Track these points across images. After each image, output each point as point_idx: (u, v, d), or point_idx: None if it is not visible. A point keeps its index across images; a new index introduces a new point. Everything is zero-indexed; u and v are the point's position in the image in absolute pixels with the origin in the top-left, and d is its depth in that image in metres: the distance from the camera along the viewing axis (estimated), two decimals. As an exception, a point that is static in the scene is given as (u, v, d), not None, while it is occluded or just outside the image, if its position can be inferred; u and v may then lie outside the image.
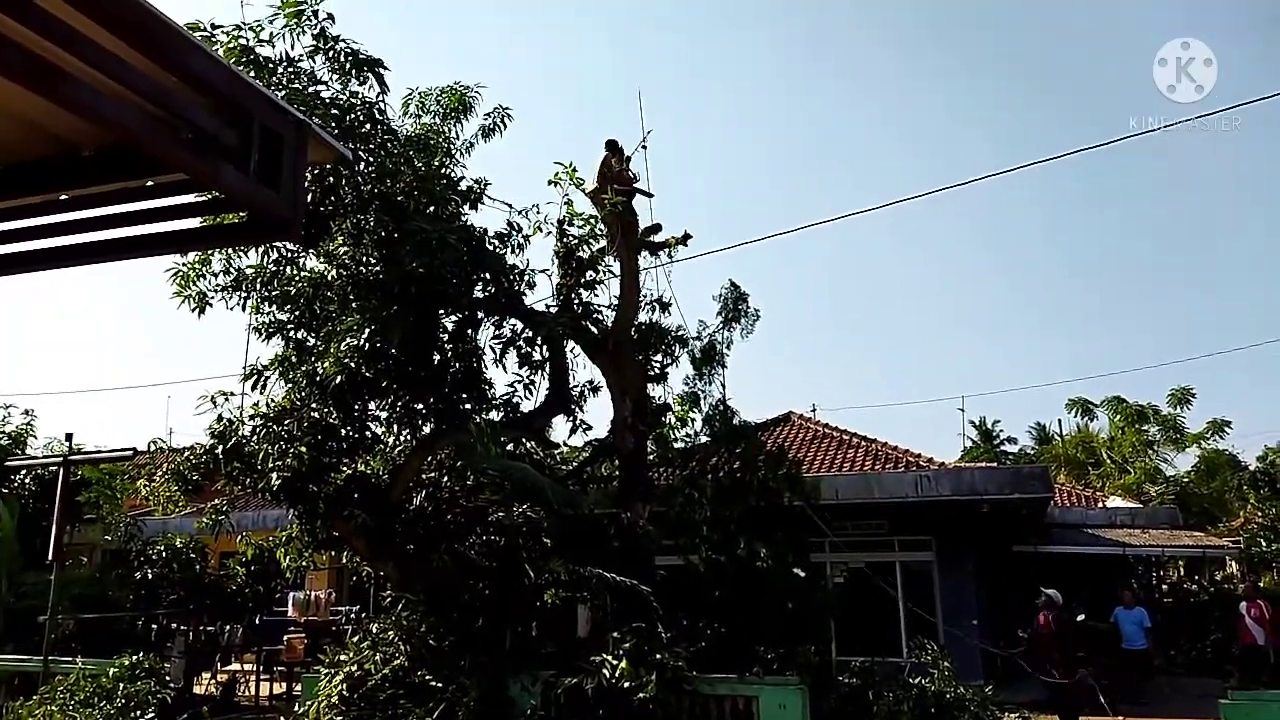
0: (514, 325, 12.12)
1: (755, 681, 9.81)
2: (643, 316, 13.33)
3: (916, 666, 11.03)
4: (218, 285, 11.11)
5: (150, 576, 17.52)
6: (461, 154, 11.81)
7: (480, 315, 11.78)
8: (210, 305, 11.06)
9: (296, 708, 11.06)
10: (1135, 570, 21.81)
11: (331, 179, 10.27)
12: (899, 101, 72.94)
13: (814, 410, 26.54)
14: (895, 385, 76.11)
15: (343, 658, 10.73)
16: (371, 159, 10.34)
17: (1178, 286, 64.33)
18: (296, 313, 11.31)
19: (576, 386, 13.05)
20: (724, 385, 14.45)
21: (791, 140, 79.01)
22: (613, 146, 12.94)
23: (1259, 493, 23.41)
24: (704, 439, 14.45)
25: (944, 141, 71.57)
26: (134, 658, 11.92)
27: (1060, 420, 39.09)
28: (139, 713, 10.97)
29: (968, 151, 69.33)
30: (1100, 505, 23.41)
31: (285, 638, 15.57)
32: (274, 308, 11.33)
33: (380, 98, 10.36)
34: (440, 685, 10.02)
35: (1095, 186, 67.49)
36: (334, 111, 9.92)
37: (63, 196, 2.54)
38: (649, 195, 13.18)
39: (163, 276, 10.92)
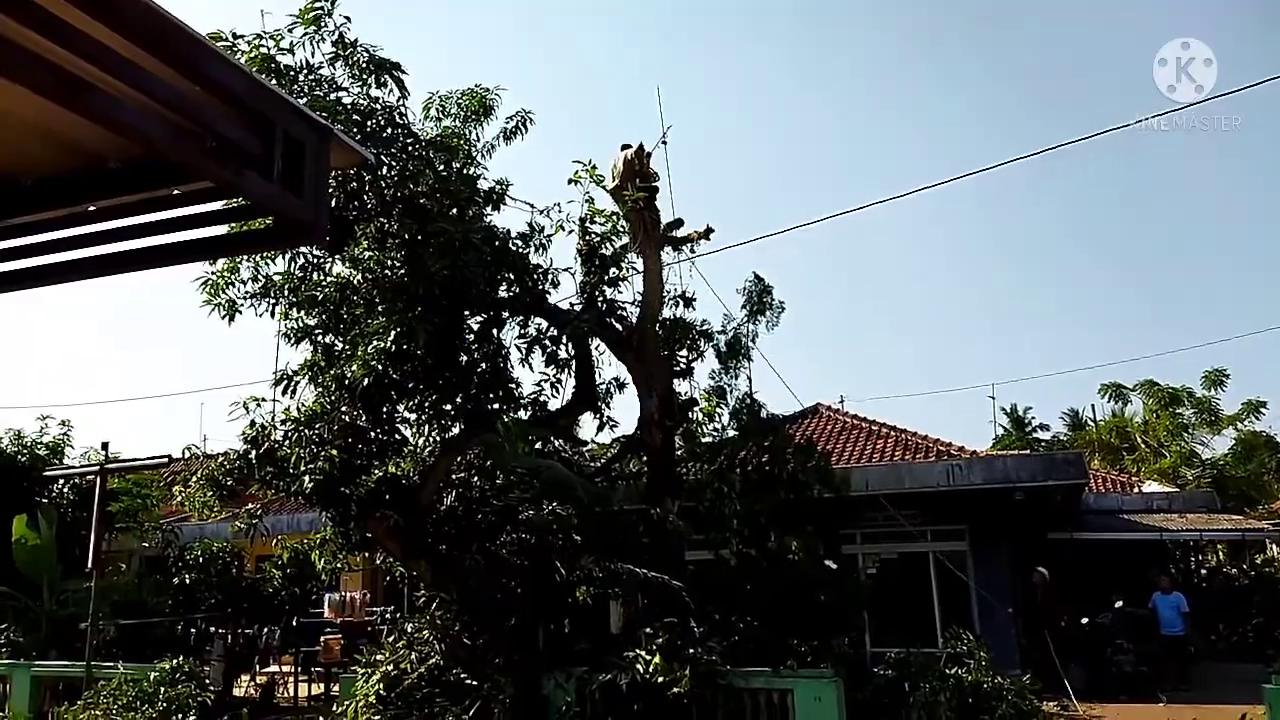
0: (539, 324, 12.16)
1: (790, 675, 9.78)
2: (667, 312, 13.32)
3: (953, 656, 10.94)
4: (246, 293, 11.24)
5: (188, 581, 17.78)
6: (483, 156, 11.86)
7: (505, 315, 11.83)
8: (240, 312, 11.20)
9: (335, 708, 11.17)
10: (1173, 555, 21.51)
11: (355, 184, 10.36)
12: (908, 98, 72.29)
13: (842, 401, 26.39)
14: (924, 375, 75.53)
15: (379, 658, 10.83)
16: (394, 163, 10.41)
17: (1206, 267, 63.24)
18: (324, 317, 11.41)
19: (603, 383, 13.08)
20: (750, 378, 14.41)
21: (809, 135, 78.54)
22: (632, 147, 12.96)
23: (1298, 474, 23.01)
24: (732, 433, 14.41)
25: (957, 139, 70.79)
26: (174, 662, 12.11)
27: (1094, 405, 38.61)
28: (180, 716, 11.14)
29: (981, 147, 68.62)
30: (1136, 490, 23.09)
31: (322, 639, 15.72)
32: (302, 313, 11.44)
33: (400, 102, 10.44)
34: (475, 683, 10.09)
35: (1113, 176, 66.50)
36: (355, 116, 10.01)
37: (91, 208, 2.58)
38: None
39: (193, 284, 11.07)
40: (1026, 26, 67.02)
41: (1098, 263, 66.48)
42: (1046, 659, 14.25)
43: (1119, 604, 16.33)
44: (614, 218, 12.53)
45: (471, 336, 11.45)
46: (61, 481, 20.07)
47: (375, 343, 10.25)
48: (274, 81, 9.20)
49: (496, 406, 11.26)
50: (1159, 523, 19.25)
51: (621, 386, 13.35)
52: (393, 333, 10.23)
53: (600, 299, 12.44)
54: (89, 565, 12.38)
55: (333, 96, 10.01)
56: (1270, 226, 58.68)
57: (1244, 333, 66.16)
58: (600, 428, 13.38)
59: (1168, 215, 64.09)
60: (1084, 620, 14.46)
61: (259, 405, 11.20)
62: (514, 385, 11.65)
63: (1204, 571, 24.65)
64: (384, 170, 10.34)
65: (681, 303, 13.57)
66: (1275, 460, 29.88)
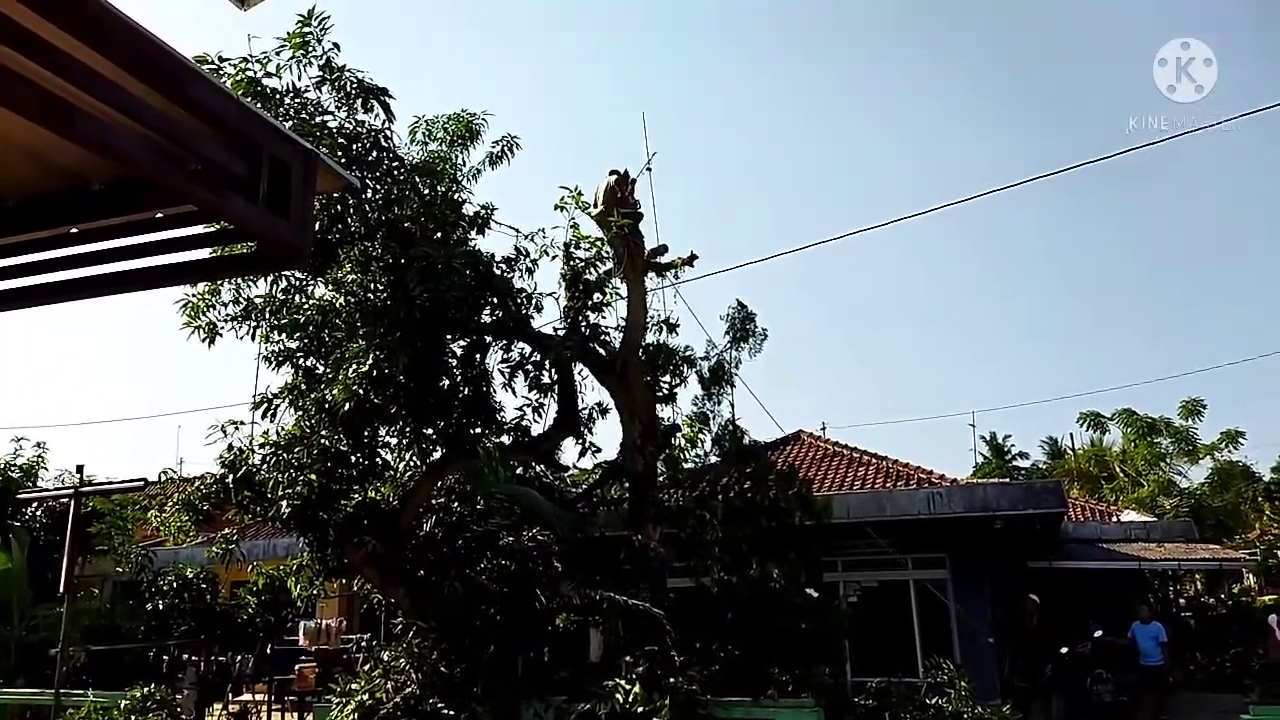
0: (522, 348, 12.14)
1: (770, 704, 9.73)
2: (650, 337, 13.34)
3: (933, 686, 10.92)
4: (227, 315, 11.18)
5: (161, 607, 17.50)
6: (468, 180, 11.90)
7: (488, 339, 11.81)
8: (220, 335, 11.13)
9: (309, 738, 11.00)
10: (1152, 585, 21.61)
11: (339, 207, 10.36)
12: (898, 113, 72.81)
13: (824, 428, 26.44)
14: (905, 402, 75.94)
15: (354, 686, 10.68)
16: (378, 186, 10.42)
17: (1184, 297, 64.11)
18: (305, 340, 11.36)
19: (585, 409, 13.05)
20: (733, 405, 14.44)
21: (794, 157, 79.18)
22: (617, 173, 13.06)
23: (1274, 504, 23.21)
24: (714, 459, 14.41)
25: (945, 149, 71.19)
26: (145, 689, 11.89)
27: (1072, 434, 38.91)
28: (151, 745, 10.93)
29: (968, 159, 68.97)
30: (1115, 519, 23.21)
31: (297, 667, 15.48)
32: (283, 336, 11.38)
33: (386, 125, 10.48)
34: (452, 713, 9.96)
35: (1096, 198, 67.46)
36: (340, 140, 10.03)
37: (73, 230, 2.56)
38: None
39: (172, 307, 11.00)
40: (1021, 29, 67.47)
41: (1075, 290, 67.25)
42: (1038, 687, 14.30)
43: (1098, 633, 16.37)
44: (598, 243, 12.58)
45: (454, 361, 11.41)
46: (35, 504, 19.80)
47: (356, 366, 10.20)
48: (259, 105, 9.21)
49: (478, 431, 11.21)
50: (1137, 552, 19.35)
51: (604, 412, 13.34)
52: (373, 356, 10.19)
53: (584, 324, 12.45)
54: (61, 590, 12.18)
55: (318, 120, 10.03)
56: (1249, 256, 59.61)
57: (1222, 363, 66.93)
58: (582, 453, 13.34)
59: (1147, 243, 65.00)
60: (1063, 650, 14.47)
61: (237, 429, 11.12)
62: (496, 410, 11.61)
63: (1182, 601, 24.77)
64: (368, 194, 10.35)
65: (665, 328, 13.61)
66: (1252, 490, 30.13)
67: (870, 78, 72.99)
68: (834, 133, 74.66)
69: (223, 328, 11.15)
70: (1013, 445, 41.07)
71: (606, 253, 12.61)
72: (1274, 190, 57.20)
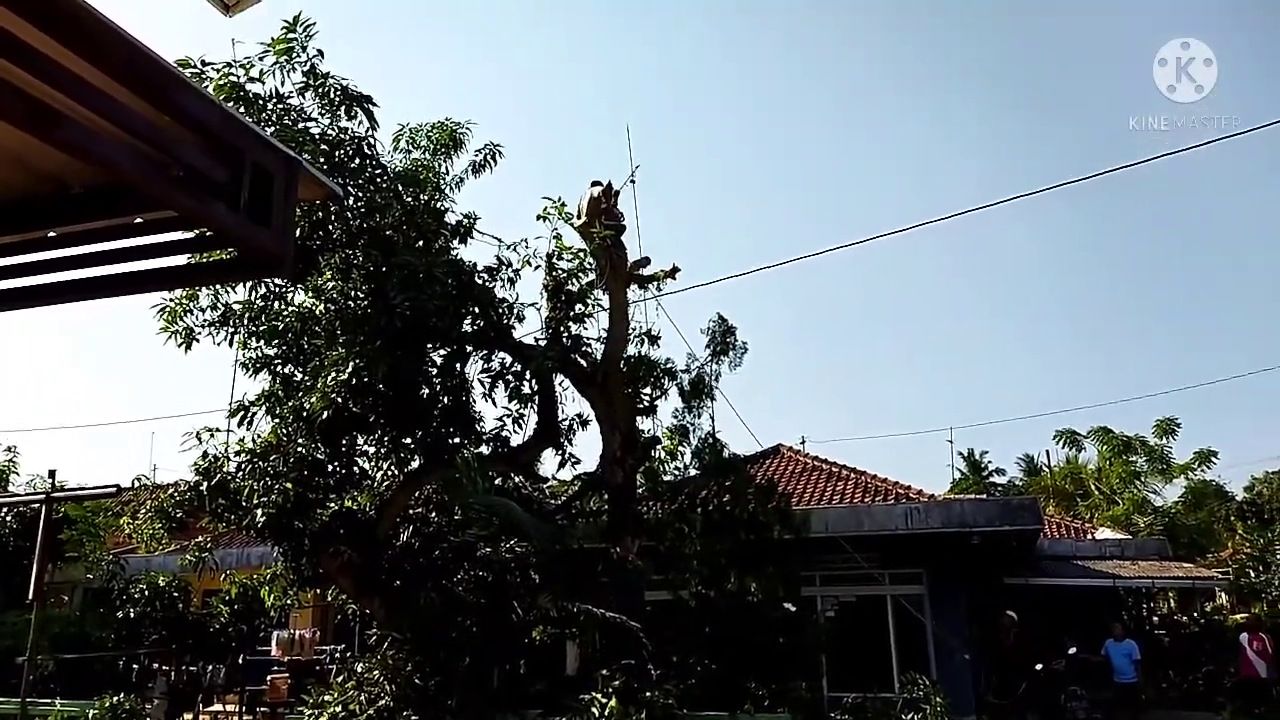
0: (503, 359, 12.11)
1: (747, 719, 9.71)
2: (632, 349, 13.35)
3: (909, 702, 10.94)
4: (205, 321, 11.09)
5: (132, 615, 17.26)
6: (451, 189, 11.88)
7: (469, 349, 11.77)
8: (197, 341, 11.04)
9: (280, 749, 10.87)
10: (1126, 602, 21.77)
11: (321, 214, 10.31)
12: (896, 115, 72.84)
13: (803, 442, 26.54)
14: (884, 417, 76.15)
15: (327, 698, 10.57)
16: (361, 194, 10.39)
17: (1161, 316, 64.78)
18: (284, 348, 11.28)
19: (565, 420, 13.02)
20: (713, 418, 14.46)
21: (789, 169, 79.32)
22: (600, 185, 13.08)
23: (1246, 523, 23.47)
24: (693, 472, 14.42)
25: (940, 149, 71.05)
26: (115, 699, 11.73)
27: (1048, 451, 39.16)
28: (119, 756, 10.76)
29: (966, 161, 68.73)
30: (1090, 537, 23.38)
31: (269, 678, 15.31)
32: (261, 343, 11.30)
33: (370, 133, 10.46)
34: (427, 725, 9.88)
35: (1083, 213, 67.97)
36: (324, 147, 10.00)
37: (52, 233, 2.53)
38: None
39: (149, 311, 10.90)
40: (1021, 28, 67.56)
41: (1055, 306, 67.76)
42: (1013, 703, 14.33)
43: (1072, 650, 16.46)
44: (581, 254, 12.58)
45: (434, 370, 11.37)
46: (5, 509, 19.53)
47: (335, 374, 10.14)
48: (242, 110, 9.17)
49: (457, 441, 11.16)
50: (1112, 569, 19.49)
51: (584, 423, 13.31)
52: (353, 364, 10.13)
53: (565, 335, 12.43)
54: (30, 597, 12.00)
55: (301, 126, 10.00)
56: (1224, 278, 60.32)
57: (1197, 383, 67.71)
58: (562, 464, 13.31)
59: (1128, 262, 65.60)
60: (1038, 666, 14.54)
61: (213, 436, 11.02)
62: (476, 420, 11.56)
63: (1156, 619, 24.96)
64: (351, 201, 10.31)
65: (646, 340, 13.63)
66: (1225, 509, 30.44)
67: (869, 79, 73.30)
68: (829, 137, 75.03)
69: (200, 333, 11.06)
70: (990, 462, 41.27)
71: (589, 264, 12.61)
72: (1263, 205, 57.82)
